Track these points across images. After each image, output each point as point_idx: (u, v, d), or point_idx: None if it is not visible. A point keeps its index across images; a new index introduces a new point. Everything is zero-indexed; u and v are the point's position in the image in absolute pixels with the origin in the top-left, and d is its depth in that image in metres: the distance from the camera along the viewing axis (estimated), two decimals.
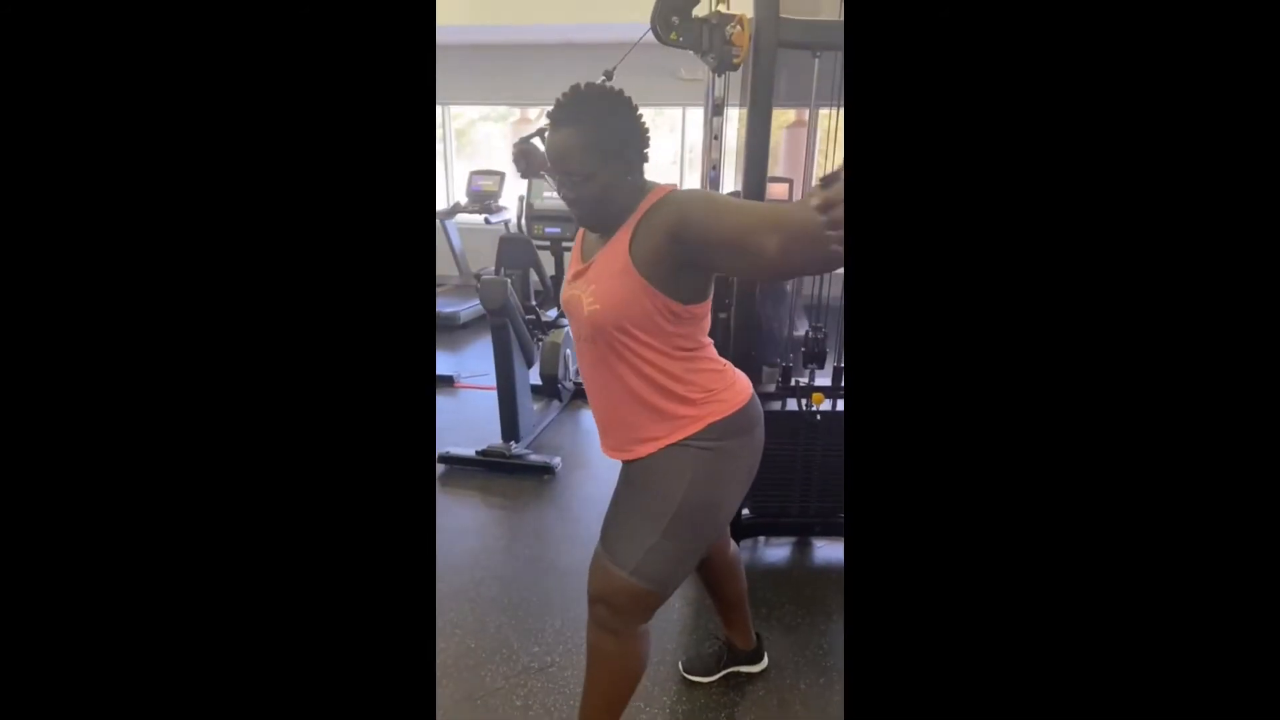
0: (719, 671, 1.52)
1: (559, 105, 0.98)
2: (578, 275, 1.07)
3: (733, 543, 1.41)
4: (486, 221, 4.35)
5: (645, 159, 1.03)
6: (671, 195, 0.99)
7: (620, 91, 1.00)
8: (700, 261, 0.94)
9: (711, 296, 1.04)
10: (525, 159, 1.35)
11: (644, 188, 1.02)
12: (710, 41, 1.52)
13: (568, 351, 3.07)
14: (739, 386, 1.08)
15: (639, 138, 1.00)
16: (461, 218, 4.63)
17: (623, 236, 0.99)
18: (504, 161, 5.11)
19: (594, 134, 0.95)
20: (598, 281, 1.00)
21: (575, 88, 0.98)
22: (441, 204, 5.19)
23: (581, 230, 1.12)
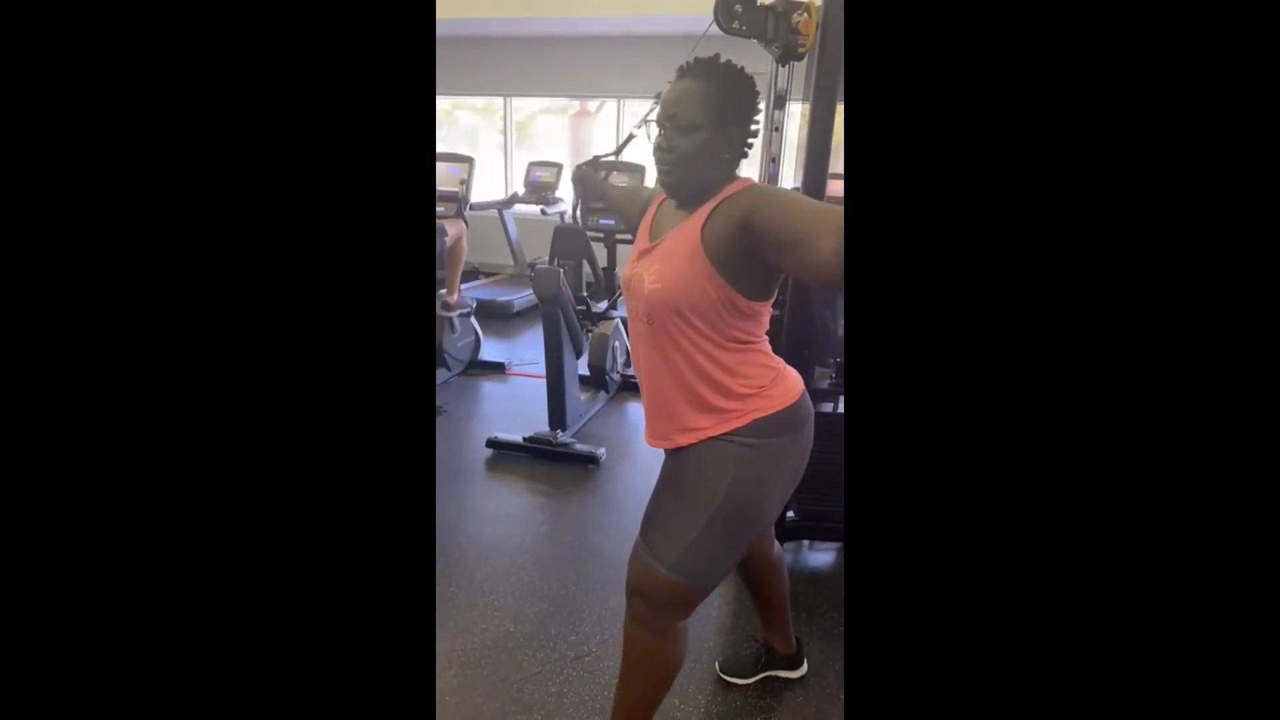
0: (756, 674, 1.49)
1: (692, 62, 0.99)
2: (643, 254, 1.05)
3: (776, 544, 1.38)
4: (543, 213, 4.39)
5: (745, 154, 1.03)
6: (753, 187, 0.98)
7: (753, 78, 1.01)
8: (764, 255, 0.92)
9: (775, 295, 1.02)
10: (582, 184, 1.36)
11: (732, 176, 1.02)
12: (775, 30, 1.49)
13: (616, 344, 3.08)
14: (789, 383, 1.05)
15: (748, 123, 1.01)
16: (519, 208, 4.70)
17: (697, 219, 0.99)
18: (563, 154, 5.15)
19: (712, 93, 0.97)
20: (663, 261, 1.00)
21: (715, 55, 1.00)
22: (500, 194, 5.27)
23: (652, 209, 1.11)
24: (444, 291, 3.22)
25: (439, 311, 3.21)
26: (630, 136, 1.34)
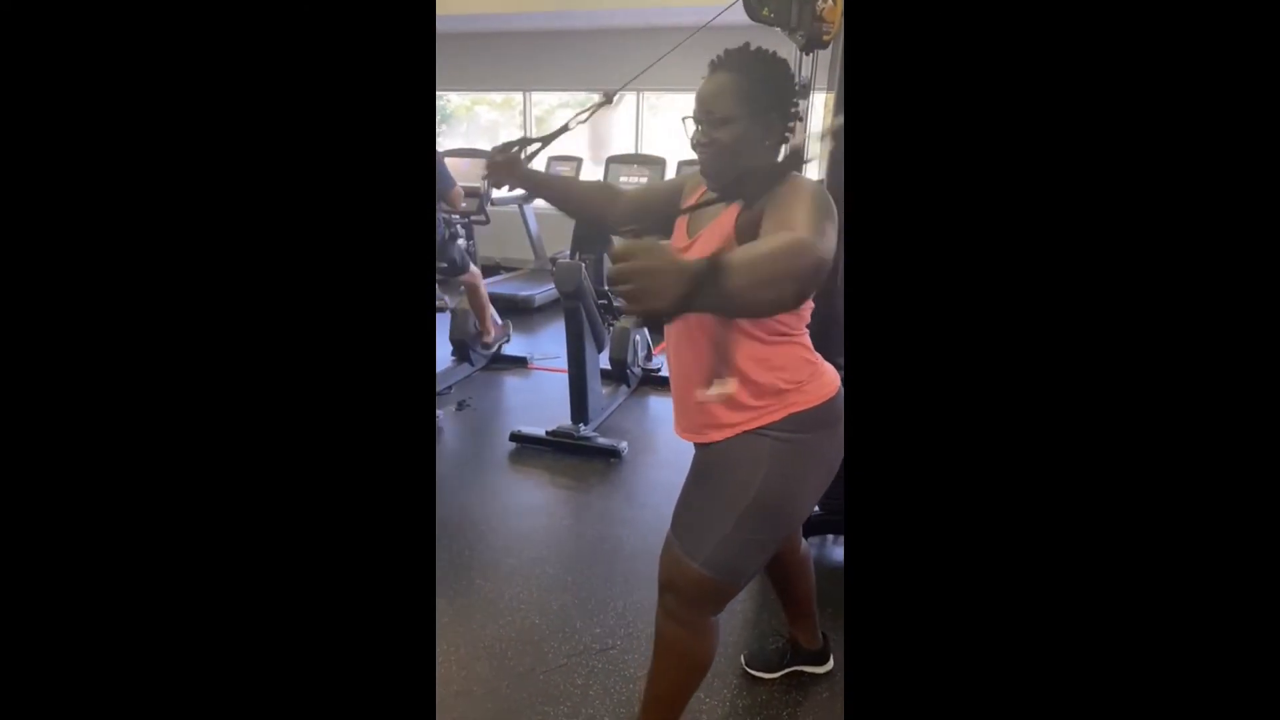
0: (782, 669, 1.48)
1: (724, 54, 0.98)
2: (681, 252, 1.04)
3: (803, 540, 1.37)
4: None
5: (786, 139, 1.01)
6: (797, 179, 0.95)
7: (787, 62, 0.99)
8: None
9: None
10: (497, 170, 1.18)
11: (774, 163, 1.00)
12: (799, 17, 1.46)
13: (637, 337, 3.08)
14: (826, 379, 1.04)
15: (786, 107, 0.99)
16: (539, 203, 4.70)
17: (731, 212, 0.97)
18: (580, 147, 5.14)
19: (745, 83, 0.95)
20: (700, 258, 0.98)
21: (746, 44, 0.98)
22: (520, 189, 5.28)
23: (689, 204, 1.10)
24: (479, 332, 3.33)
25: (480, 351, 3.31)
26: (564, 127, 1.20)
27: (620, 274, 0.60)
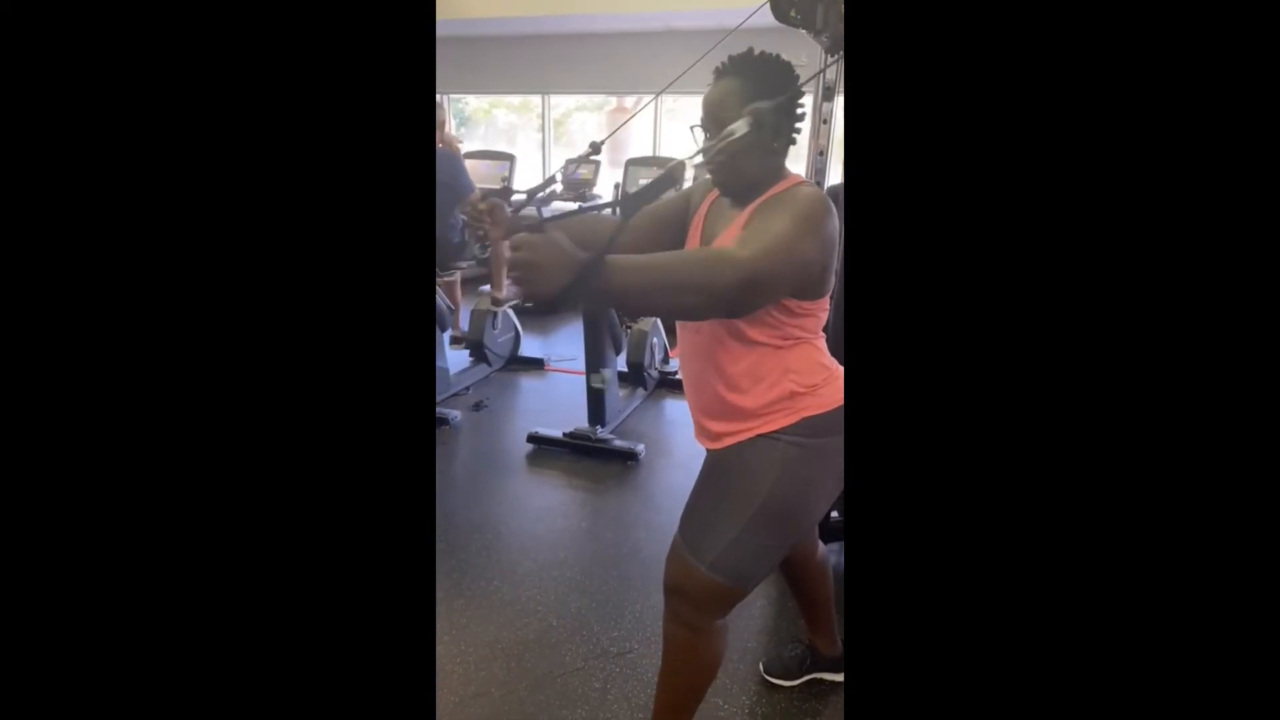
0: (801, 676, 1.47)
1: (727, 61, 0.98)
2: None
3: (821, 545, 1.36)
4: (580, 209, 4.42)
5: (793, 141, 1.01)
6: (795, 188, 0.96)
7: (790, 64, 0.99)
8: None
9: (830, 291, 0.99)
10: (478, 219, 1.00)
11: (780, 170, 1.01)
12: (825, 19, 1.45)
13: (654, 340, 3.07)
14: (841, 383, 1.03)
15: (793, 109, 0.99)
16: (557, 204, 4.72)
17: (740, 220, 0.97)
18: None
19: (750, 89, 0.95)
20: None
21: (749, 50, 0.99)
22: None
23: (701, 213, 1.10)
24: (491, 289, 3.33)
25: (489, 306, 3.30)
26: (550, 178, 1.18)
27: (511, 262, 0.71)
